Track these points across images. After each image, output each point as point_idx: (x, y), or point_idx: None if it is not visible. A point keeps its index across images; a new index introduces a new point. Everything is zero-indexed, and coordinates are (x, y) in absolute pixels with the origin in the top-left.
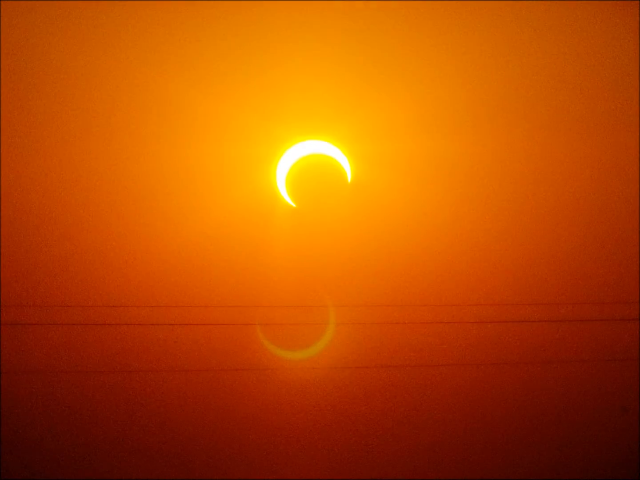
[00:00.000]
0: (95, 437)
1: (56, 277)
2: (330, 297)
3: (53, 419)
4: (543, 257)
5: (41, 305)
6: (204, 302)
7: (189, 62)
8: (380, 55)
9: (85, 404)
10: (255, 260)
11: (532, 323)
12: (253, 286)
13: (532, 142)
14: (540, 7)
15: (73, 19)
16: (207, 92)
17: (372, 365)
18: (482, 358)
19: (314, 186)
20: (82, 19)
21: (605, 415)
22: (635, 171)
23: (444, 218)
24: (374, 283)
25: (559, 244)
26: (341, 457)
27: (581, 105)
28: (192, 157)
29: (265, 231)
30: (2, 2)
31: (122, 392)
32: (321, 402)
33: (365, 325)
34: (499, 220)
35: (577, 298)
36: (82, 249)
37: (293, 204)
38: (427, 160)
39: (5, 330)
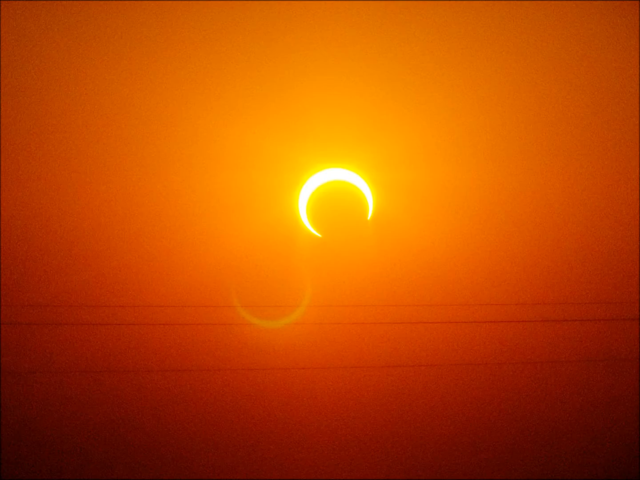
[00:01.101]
0: (97, 437)
1: (97, 285)
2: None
3: (53, 419)
4: (548, 262)
5: (59, 305)
6: (223, 303)
7: (215, 94)
8: (403, 86)
9: (89, 403)
10: (275, 277)
11: (532, 323)
12: (268, 289)
13: (549, 169)
14: (557, 42)
15: (104, 50)
16: (232, 122)
17: (382, 366)
18: (482, 358)
19: (335, 214)
20: (112, 51)
21: (605, 415)
22: (635, 183)
23: (463, 244)
24: (392, 294)
25: (563, 248)
26: (343, 457)
27: (590, 135)
28: (217, 185)
29: (286, 255)
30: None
31: (125, 392)
32: (328, 403)
33: (373, 327)
34: (514, 239)
35: (576, 298)
36: (121, 264)
37: (314, 231)
38: (448, 189)
39: (5, 330)
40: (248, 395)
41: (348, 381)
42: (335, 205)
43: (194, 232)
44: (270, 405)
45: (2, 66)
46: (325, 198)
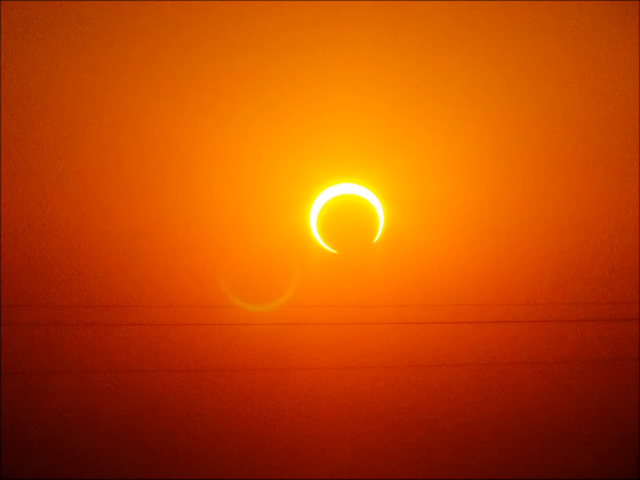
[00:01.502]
0: (97, 437)
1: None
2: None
3: (53, 419)
4: (549, 263)
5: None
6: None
7: (228, 108)
8: (416, 101)
9: (90, 403)
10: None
11: (532, 323)
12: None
13: (564, 183)
14: (570, 62)
15: (114, 63)
16: (244, 136)
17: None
18: (482, 358)
19: (346, 228)
20: (122, 65)
21: (605, 415)
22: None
23: (475, 257)
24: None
25: (564, 249)
26: (343, 457)
27: (596, 148)
28: (229, 199)
29: (296, 268)
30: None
31: (126, 392)
32: (328, 403)
33: (376, 327)
34: (528, 249)
35: (577, 298)
36: (131, 276)
37: (325, 245)
38: (461, 203)
39: (5, 330)
40: (248, 395)
41: (348, 381)
42: (346, 220)
43: (206, 246)
44: (270, 406)
45: (2, 66)
46: (337, 212)
